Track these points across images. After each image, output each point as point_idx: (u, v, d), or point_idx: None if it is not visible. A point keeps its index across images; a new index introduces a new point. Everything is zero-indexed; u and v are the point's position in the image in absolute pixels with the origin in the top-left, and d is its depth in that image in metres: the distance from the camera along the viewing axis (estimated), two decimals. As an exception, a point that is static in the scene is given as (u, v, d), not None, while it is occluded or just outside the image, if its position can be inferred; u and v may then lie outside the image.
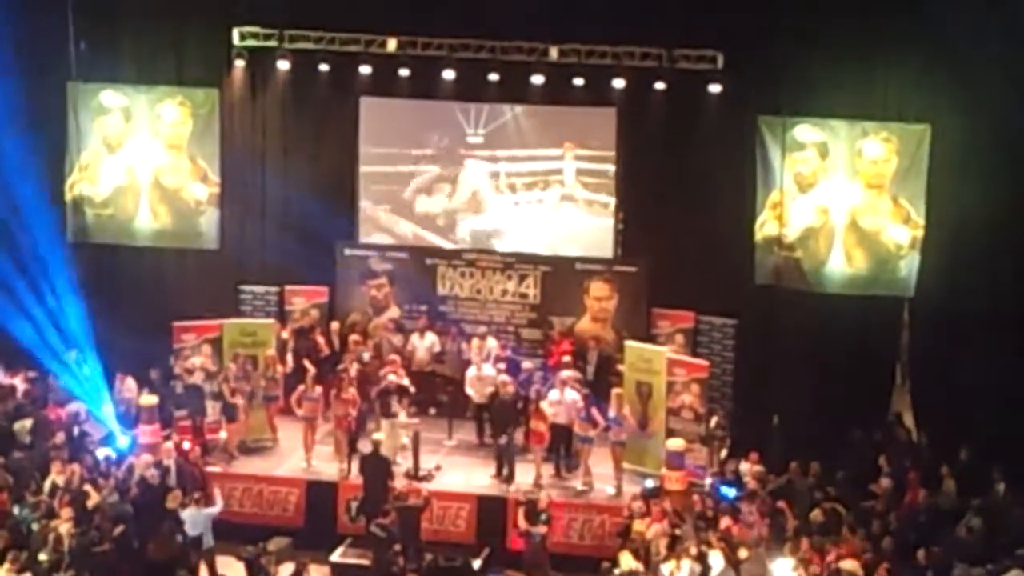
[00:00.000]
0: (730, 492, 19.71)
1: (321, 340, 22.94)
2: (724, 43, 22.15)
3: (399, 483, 19.74)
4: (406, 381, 21.52)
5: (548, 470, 20.80)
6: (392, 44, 23.25)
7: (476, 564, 19.32)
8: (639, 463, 20.90)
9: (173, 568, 18.10)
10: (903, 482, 19.60)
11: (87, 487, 19.16)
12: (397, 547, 18.71)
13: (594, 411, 20.52)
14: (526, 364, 22.31)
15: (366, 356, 22.26)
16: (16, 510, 18.63)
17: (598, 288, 23.46)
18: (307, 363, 22.01)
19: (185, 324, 22.47)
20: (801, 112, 22.07)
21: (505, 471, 20.60)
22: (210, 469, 20.70)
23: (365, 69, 23.31)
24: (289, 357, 22.56)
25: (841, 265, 22.31)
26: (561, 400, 20.71)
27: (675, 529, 18.22)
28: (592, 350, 22.75)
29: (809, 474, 19.96)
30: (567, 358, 22.07)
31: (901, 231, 21.95)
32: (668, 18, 22.19)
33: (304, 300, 24.03)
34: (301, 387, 21.44)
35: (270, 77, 24.01)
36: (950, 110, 21.19)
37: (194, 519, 18.59)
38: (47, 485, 19.31)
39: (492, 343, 22.84)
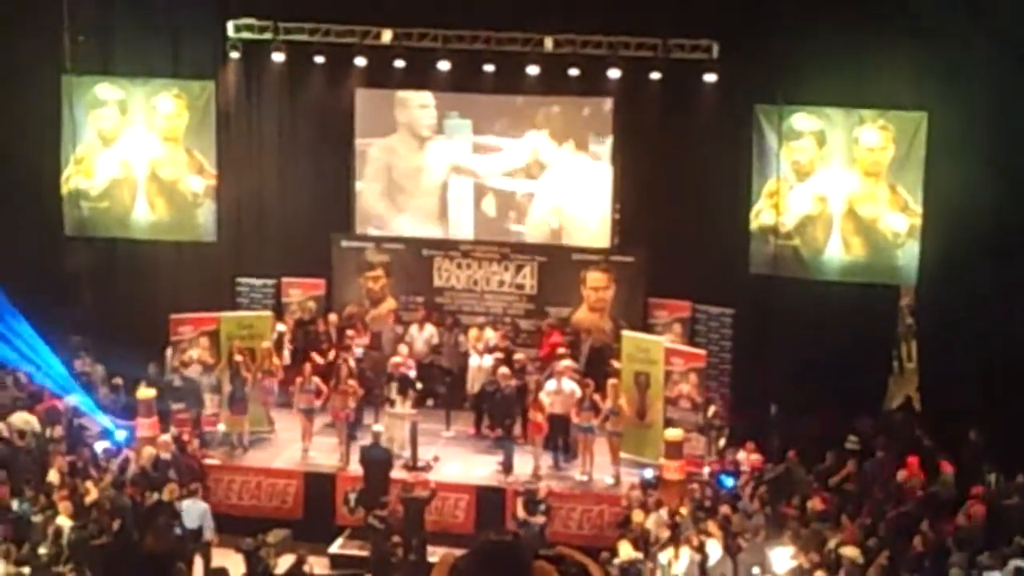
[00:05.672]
0: (729, 481, 19.69)
1: (321, 332, 22.95)
2: (719, 32, 22.11)
3: (398, 475, 19.72)
4: (412, 373, 21.57)
5: (546, 460, 20.82)
6: (387, 35, 23.20)
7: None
8: (637, 453, 20.91)
9: (171, 560, 18.09)
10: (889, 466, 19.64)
11: (87, 484, 19.14)
12: (396, 538, 18.71)
13: (596, 398, 20.53)
14: (518, 355, 22.29)
15: (360, 349, 22.29)
16: (15, 504, 18.62)
17: (595, 278, 23.41)
18: (314, 355, 22.02)
19: (182, 317, 22.44)
20: (798, 100, 22.07)
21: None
22: (208, 461, 20.72)
23: (360, 61, 23.25)
24: (287, 350, 22.53)
25: (839, 253, 22.30)
26: (559, 390, 20.72)
27: (674, 519, 18.24)
28: (584, 341, 22.75)
29: (810, 463, 19.96)
30: (562, 349, 22.05)
31: (898, 219, 21.95)
32: (663, 8, 22.17)
33: (301, 292, 24.00)
34: (299, 379, 21.43)
35: (265, 69, 23.92)
36: (947, 97, 21.18)
37: (190, 511, 18.60)
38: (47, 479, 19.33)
39: (490, 334, 22.82)
